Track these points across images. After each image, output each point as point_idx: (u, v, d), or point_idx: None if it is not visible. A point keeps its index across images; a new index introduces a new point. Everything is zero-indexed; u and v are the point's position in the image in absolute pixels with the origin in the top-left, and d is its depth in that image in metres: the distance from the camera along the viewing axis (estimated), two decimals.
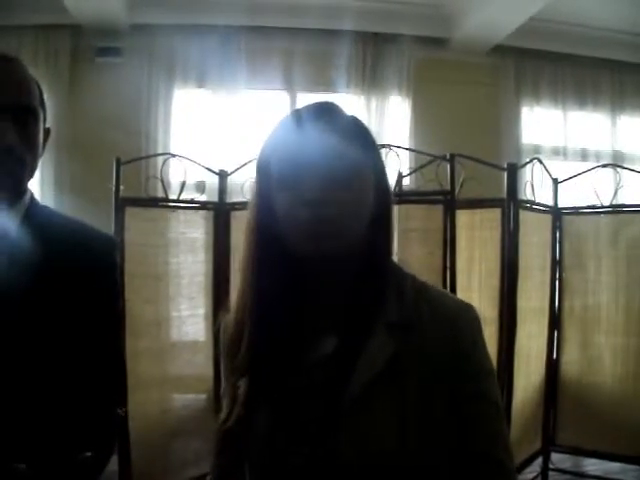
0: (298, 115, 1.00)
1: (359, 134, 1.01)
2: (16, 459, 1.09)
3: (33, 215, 1.25)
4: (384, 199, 1.02)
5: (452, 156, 2.95)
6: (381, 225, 1.02)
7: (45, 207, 1.35)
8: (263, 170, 1.00)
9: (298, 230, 0.94)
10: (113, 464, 1.39)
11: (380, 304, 0.98)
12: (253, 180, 1.05)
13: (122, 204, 2.87)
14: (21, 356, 1.12)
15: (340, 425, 0.92)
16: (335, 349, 0.97)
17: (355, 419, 0.92)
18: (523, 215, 3.12)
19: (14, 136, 1.16)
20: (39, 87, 1.27)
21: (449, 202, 2.90)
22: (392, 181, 3.29)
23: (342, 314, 1.00)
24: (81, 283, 1.21)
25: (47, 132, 1.32)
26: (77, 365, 1.18)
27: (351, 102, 4.88)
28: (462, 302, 1.05)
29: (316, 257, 0.96)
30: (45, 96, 1.31)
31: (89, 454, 1.15)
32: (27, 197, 1.27)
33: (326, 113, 1.00)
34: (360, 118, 1.05)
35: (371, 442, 0.91)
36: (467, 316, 1.01)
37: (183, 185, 3.21)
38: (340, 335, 0.98)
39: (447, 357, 0.95)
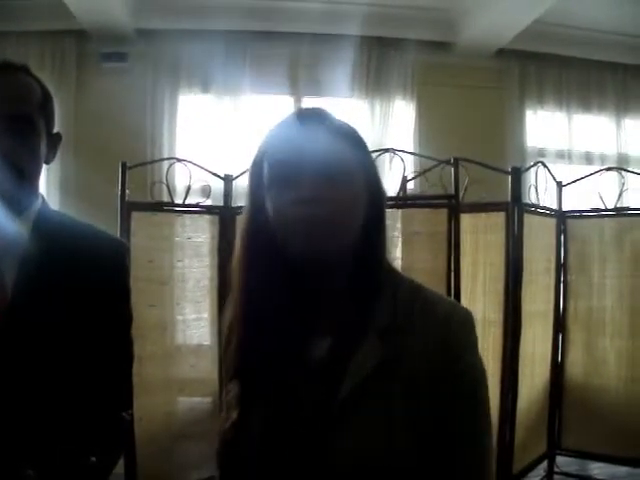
0: (289, 119, 1.01)
1: (349, 136, 1.01)
2: (24, 464, 1.10)
3: (44, 220, 1.27)
4: (377, 201, 1.02)
5: (456, 160, 2.96)
6: (374, 227, 1.01)
7: (56, 212, 1.37)
8: (256, 172, 1.01)
9: (290, 229, 0.94)
10: (119, 467, 1.39)
11: (373, 308, 0.98)
12: (246, 183, 1.05)
13: (128, 208, 2.89)
14: (31, 360, 1.14)
15: (331, 426, 0.93)
16: (328, 352, 0.98)
17: (345, 420, 0.93)
18: (527, 219, 3.13)
19: (6, 143, 1.18)
20: (45, 94, 1.29)
21: (453, 206, 2.90)
22: (396, 185, 3.30)
23: (335, 317, 1.00)
24: (92, 287, 1.23)
25: (57, 137, 1.34)
26: (87, 368, 1.20)
27: (355, 106, 4.89)
28: (456, 305, 1.05)
29: (309, 257, 0.96)
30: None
31: (94, 459, 1.16)
32: (38, 202, 1.29)
33: (316, 116, 1.01)
34: (350, 122, 1.05)
35: (360, 442, 0.92)
36: (460, 318, 1.00)
37: (188, 189, 3.23)
38: (333, 339, 0.99)
39: (436, 358, 0.95)
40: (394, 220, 2.85)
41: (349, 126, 1.04)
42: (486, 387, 1.00)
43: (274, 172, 0.97)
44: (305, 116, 1.01)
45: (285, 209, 0.94)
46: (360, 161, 1.00)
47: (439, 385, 0.94)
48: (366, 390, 0.94)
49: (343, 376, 0.95)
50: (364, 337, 0.96)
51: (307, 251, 0.94)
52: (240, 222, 1.05)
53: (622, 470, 3.54)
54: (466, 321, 1.00)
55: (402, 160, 3.17)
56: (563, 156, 5.29)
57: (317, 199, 0.92)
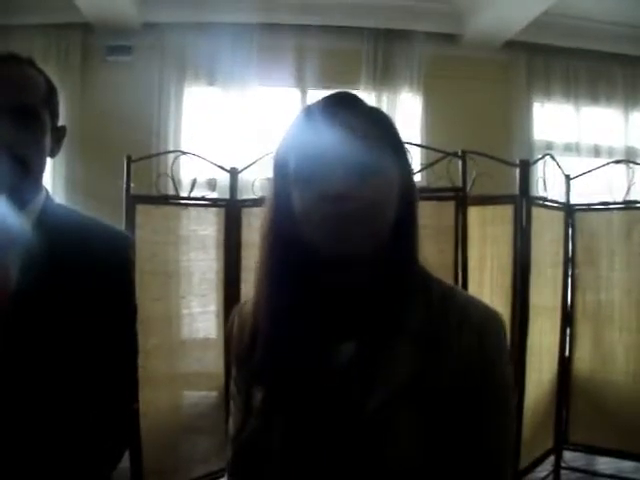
0: (316, 107, 0.95)
1: (382, 127, 0.96)
2: (28, 457, 1.10)
3: (48, 214, 1.26)
4: (410, 197, 0.96)
5: (464, 152, 2.93)
6: (407, 226, 0.96)
7: (60, 205, 1.36)
8: (280, 167, 0.95)
9: (320, 228, 0.89)
10: (124, 461, 1.39)
11: (404, 310, 0.93)
12: (269, 178, 0.99)
13: (133, 202, 2.87)
14: (34, 354, 1.13)
15: (360, 440, 0.88)
16: (354, 358, 0.92)
17: (376, 432, 0.88)
18: (535, 212, 3.10)
19: (10, 135, 1.16)
20: (50, 87, 1.28)
21: (461, 199, 2.88)
22: None
23: (362, 319, 0.93)
24: (95, 280, 1.22)
25: (62, 130, 1.34)
26: (90, 362, 1.19)
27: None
28: (491, 310, 0.98)
29: (337, 256, 0.90)
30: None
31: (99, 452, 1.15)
32: (42, 196, 1.28)
33: (346, 104, 0.95)
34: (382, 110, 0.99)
35: (392, 454, 0.87)
36: (494, 325, 0.96)
37: (194, 182, 3.21)
38: (360, 343, 0.92)
39: (470, 366, 0.91)
40: None
41: (382, 114, 0.99)
42: (513, 394, 0.98)
43: (301, 167, 0.91)
44: (334, 104, 0.95)
45: (313, 206, 0.89)
46: (393, 154, 0.94)
47: (472, 393, 0.91)
48: (398, 400, 0.88)
49: (372, 384, 0.89)
50: (394, 342, 0.91)
51: (335, 250, 0.89)
52: (262, 220, 0.99)
53: (629, 465, 3.51)
54: (501, 328, 0.96)
55: (409, 152, 3.15)
56: (571, 149, 5.28)
57: (346, 196, 0.86)
